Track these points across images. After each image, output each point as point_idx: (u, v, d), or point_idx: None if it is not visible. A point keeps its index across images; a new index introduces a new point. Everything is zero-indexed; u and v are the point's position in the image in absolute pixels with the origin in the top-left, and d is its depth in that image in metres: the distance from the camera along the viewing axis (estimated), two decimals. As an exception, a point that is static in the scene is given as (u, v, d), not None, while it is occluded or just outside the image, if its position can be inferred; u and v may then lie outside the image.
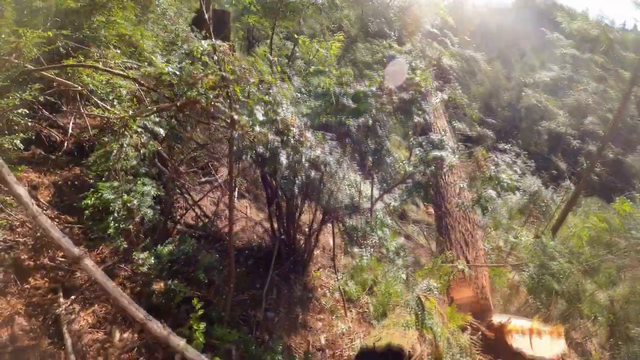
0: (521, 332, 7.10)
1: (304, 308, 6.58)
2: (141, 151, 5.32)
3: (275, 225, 6.93)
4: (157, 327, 3.51)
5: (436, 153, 5.01)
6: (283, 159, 4.86)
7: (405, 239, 10.27)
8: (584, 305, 8.51)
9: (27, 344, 4.23)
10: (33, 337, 4.30)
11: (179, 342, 3.74)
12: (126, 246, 5.04)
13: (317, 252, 7.78)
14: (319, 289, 7.10)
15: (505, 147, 13.70)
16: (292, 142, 5.05)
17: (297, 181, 5.35)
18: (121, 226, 4.84)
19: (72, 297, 4.79)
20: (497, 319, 7.40)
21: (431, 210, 13.45)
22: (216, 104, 4.53)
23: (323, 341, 6.14)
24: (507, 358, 6.85)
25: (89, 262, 3.52)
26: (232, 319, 5.55)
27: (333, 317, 6.63)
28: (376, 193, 6.49)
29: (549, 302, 8.56)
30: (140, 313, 3.53)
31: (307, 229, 7.25)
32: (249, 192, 8.47)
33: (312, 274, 7.27)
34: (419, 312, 5.33)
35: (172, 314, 5.09)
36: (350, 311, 6.95)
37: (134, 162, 5.17)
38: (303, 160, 5.06)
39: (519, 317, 7.84)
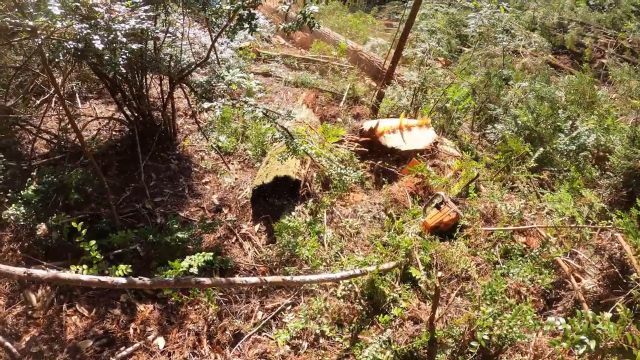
0: (392, 131, 7.55)
1: (187, 179, 6.66)
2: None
3: (128, 112, 6.66)
4: (41, 272, 3.48)
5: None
6: (98, 44, 4.35)
7: (265, 76, 10.29)
8: (440, 96, 9.03)
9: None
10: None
11: (70, 275, 3.74)
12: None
13: (179, 121, 7.67)
14: (195, 155, 7.15)
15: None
16: (102, 23, 4.65)
17: (121, 61, 5.05)
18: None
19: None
20: (366, 124, 7.75)
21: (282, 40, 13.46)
22: (6, 19, 3.99)
23: (216, 201, 6.34)
24: (386, 158, 7.36)
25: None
26: (124, 222, 5.57)
27: (218, 176, 6.79)
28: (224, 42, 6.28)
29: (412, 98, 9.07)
30: (17, 270, 3.48)
31: (160, 103, 7.07)
32: (92, 91, 8.01)
33: (182, 143, 7.25)
34: (288, 141, 5.54)
35: (70, 248, 5.03)
36: (232, 164, 7.13)
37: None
38: (120, 37, 4.74)
39: (387, 118, 8.31)
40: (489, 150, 8.71)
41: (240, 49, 10.04)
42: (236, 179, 6.75)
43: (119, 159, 6.52)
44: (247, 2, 4.47)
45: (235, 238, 5.84)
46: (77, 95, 7.74)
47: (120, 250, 5.08)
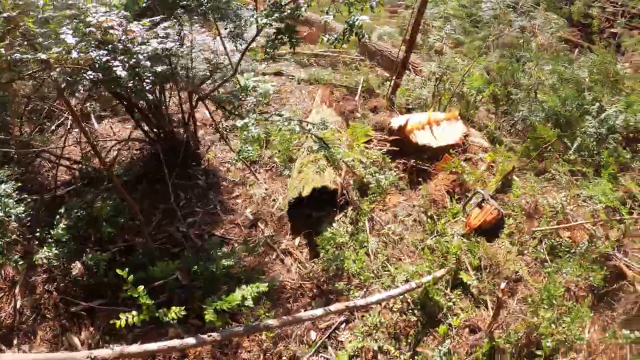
0: (421, 127, 7.34)
1: (217, 194, 6.43)
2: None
3: (147, 128, 6.33)
4: (106, 352, 3.21)
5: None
6: (120, 71, 4.00)
7: (276, 75, 9.98)
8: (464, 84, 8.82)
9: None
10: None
11: (137, 348, 3.52)
12: (22, 260, 4.44)
13: (199, 132, 7.42)
14: (220, 168, 6.92)
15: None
16: (121, 47, 4.27)
17: (145, 85, 4.77)
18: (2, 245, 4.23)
19: None
20: (395, 122, 7.51)
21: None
22: (14, 55, 3.65)
23: (250, 216, 6.13)
24: (417, 155, 7.15)
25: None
26: (159, 248, 5.36)
27: (247, 188, 6.56)
28: (233, 49, 5.95)
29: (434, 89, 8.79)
30: (79, 356, 3.29)
31: (180, 117, 6.79)
32: (105, 109, 7.71)
33: (207, 156, 7.01)
34: (325, 151, 5.29)
35: (107, 285, 4.83)
36: (259, 172, 6.90)
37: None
38: (142, 60, 4.45)
39: (414, 114, 8.06)
40: (511, 135, 8.50)
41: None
42: (266, 189, 6.51)
43: (144, 181, 6.27)
44: (284, 14, 4.16)
45: (275, 254, 5.66)
46: (92, 115, 7.46)
47: (160, 281, 4.83)
